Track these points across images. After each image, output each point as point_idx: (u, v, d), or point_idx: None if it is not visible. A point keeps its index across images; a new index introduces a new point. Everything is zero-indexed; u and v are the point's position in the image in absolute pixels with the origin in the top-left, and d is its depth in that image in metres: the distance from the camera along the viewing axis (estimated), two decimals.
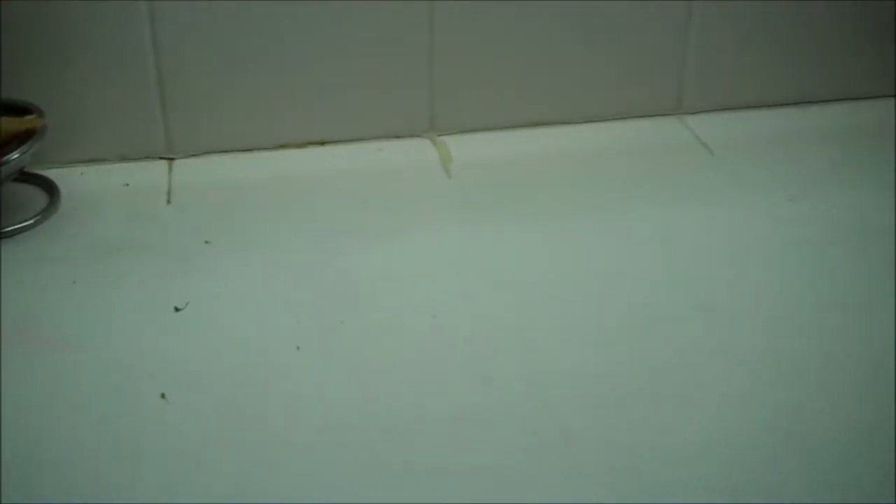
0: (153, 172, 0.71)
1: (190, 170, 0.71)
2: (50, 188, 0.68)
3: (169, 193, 0.69)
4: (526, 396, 0.52)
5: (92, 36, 0.68)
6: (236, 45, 0.70)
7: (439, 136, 0.76)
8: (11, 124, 0.64)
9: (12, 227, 0.64)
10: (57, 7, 0.67)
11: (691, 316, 0.57)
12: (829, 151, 0.75)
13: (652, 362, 0.54)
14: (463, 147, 0.74)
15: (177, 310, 0.57)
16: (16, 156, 0.63)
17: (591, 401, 0.51)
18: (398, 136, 0.75)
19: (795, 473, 0.47)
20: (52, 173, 0.69)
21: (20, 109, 0.66)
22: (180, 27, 0.69)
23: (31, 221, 0.65)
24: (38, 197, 0.68)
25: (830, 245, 0.64)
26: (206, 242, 0.63)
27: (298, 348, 0.55)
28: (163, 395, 0.51)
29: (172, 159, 0.72)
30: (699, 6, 0.75)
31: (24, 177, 0.68)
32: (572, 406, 0.51)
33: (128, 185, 0.69)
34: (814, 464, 0.47)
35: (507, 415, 0.50)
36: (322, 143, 0.74)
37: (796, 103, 0.79)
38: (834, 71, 0.80)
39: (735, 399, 0.51)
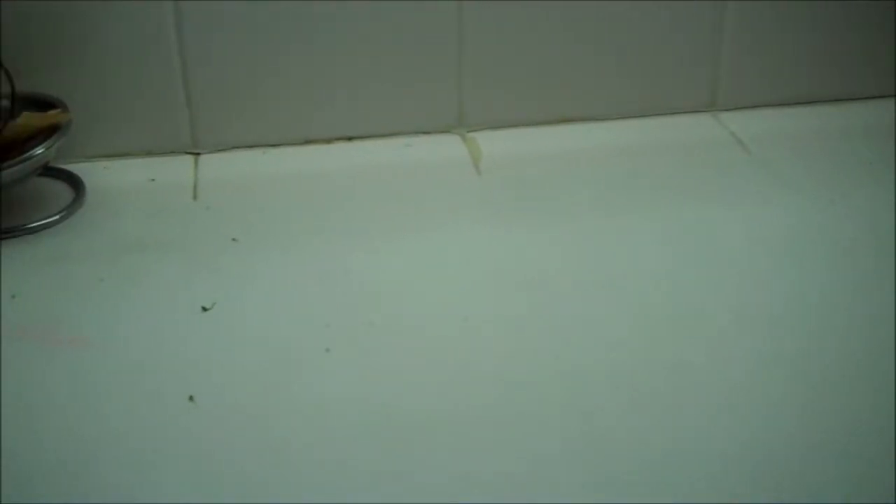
0: (179, 167, 0.70)
1: (216, 165, 0.71)
2: (75, 183, 0.68)
3: (195, 189, 0.68)
4: (557, 400, 0.51)
5: (117, 30, 0.67)
6: (263, 39, 0.69)
7: (469, 132, 0.75)
8: (36, 119, 0.64)
9: (37, 223, 0.64)
10: (82, 1, 0.66)
11: (724, 318, 0.56)
12: (868, 149, 0.73)
13: (684, 366, 0.53)
14: (493, 143, 0.74)
15: (204, 309, 0.56)
16: (41, 150, 0.62)
17: (623, 404, 0.51)
18: (426, 132, 0.75)
19: (829, 477, 0.46)
20: (77, 168, 0.69)
21: (45, 104, 0.65)
22: (206, 21, 0.68)
23: (56, 217, 0.64)
24: (63, 192, 0.67)
25: (870, 247, 0.63)
26: (233, 240, 0.63)
27: (328, 350, 0.54)
28: (191, 398, 0.50)
29: (198, 154, 0.72)
30: (732, 4, 0.74)
31: (49, 171, 0.68)
32: (604, 409, 0.50)
33: (153, 180, 0.69)
34: (850, 468, 0.47)
35: (538, 418, 0.50)
36: (349, 139, 0.73)
37: (835, 100, 0.78)
38: (873, 67, 0.78)
39: (769, 403, 0.51)
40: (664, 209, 0.66)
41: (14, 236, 0.62)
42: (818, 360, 0.53)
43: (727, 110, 0.78)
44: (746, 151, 0.74)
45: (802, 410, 0.50)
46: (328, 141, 0.73)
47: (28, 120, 0.63)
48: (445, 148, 0.73)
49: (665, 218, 0.66)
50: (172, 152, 0.72)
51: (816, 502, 0.45)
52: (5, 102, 0.63)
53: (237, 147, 0.72)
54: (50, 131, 0.63)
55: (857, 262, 0.61)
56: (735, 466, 0.47)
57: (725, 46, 0.76)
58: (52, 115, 0.64)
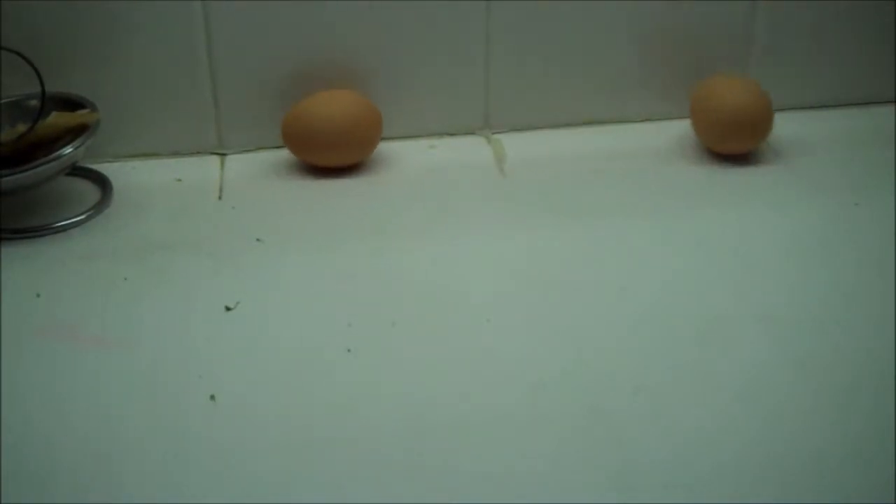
0: (205, 168, 0.71)
1: (242, 165, 0.71)
2: (102, 183, 0.68)
3: (220, 189, 0.69)
4: (579, 400, 0.51)
5: (146, 31, 0.68)
6: (289, 40, 0.70)
7: (494, 133, 0.75)
8: (64, 118, 0.64)
9: (64, 222, 0.64)
10: (111, 2, 0.66)
11: (748, 321, 0.56)
12: (892, 152, 0.72)
13: (707, 368, 0.53)
14: (517, 145, 0.74)
15: (227, 309, 0.57)
16: (69, 150, 0.63)
17: (645, 405, 0.51)
18: (452, 134, 0.75)
19: (862, 482, 0.46)
20: (104, 168, 0.70)
21: (74, 104, 0.66)
22: (234, 23, 0.68)
23: (83, 216, 0.65)
24: (91, 191, 0.68)
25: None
26: (258, 240, 0.63)
27: (349, 350, 0.54)
28: (212, 398, 0.51)
29: (224, 154, 0.72)
30: (763, 4, 0.73)
31: (77, 171, 0.68)
32: (625, 410, 0.50)
33: (180, 180, 0.69)
34: (883, 471, 0.46)
35: (559, 418, 0.50)
36: None
37: (862, 103, 0.77)
38: None
39: (797, 408, 0.50)
40: (688, 211, 0.66)
41: (41, 235, 0.63)
42: (843, 362, 0.53)
43: None
44: (773, 154, 0.73)
45: (826, 412, 0.50)
46: None
47: (57, 119, 0.64)
48: (470, 149, 0.73)
49: (688, 219, 0.65)
50: (199, 153, 0.72)
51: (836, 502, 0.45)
52: (35, 102, 0.64)
53: (263, 148, 0.73)
54: (78, 131, 0.64)
55: (881, 264, 0.61)
56: (753, 467, 0.47)
57: (753, 49, 0.75)
58: (80, 115, 0.65)
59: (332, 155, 0.69)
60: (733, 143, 0.71)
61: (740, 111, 0.69)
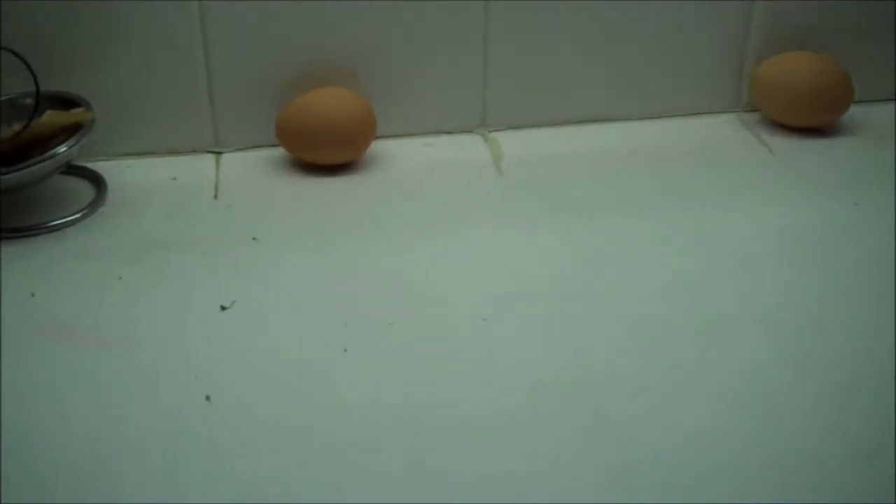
0: (201, 166, 0.71)
1: (237, 164, 0.71)
2: (97, 181, 0.68)
3: (216, 188, 0.68)
4: (576, 401, 0.51)
5: (142, 29, 0.68)
6: (285, 39, 0.70)
7: (491, 132, 0.75)
8: (59, 117, 0.64)
9: (59, 221, 0.64)
10: (108, 2, 0.66)
11: (747, 320, 0.56)
12: (892, 150, 0.73)
13: (707, 368, 0.53)
14: (515, 143, 0.73)
15: (223, 309, 0.56)
16: (63, 149, 0.63)
17: (643, 405, 0.50)
18: (448, 132, 0.74)
19: (862, 481, 0.46)
20: (99, 166, 0.69)
21: (69, 102, 0.65)
22: (230, 21, 0.68)
23: (78, 215, 0.64)
24: (85, 190, 0.68)
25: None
26: (253, 239, 0.63)
27: (345, 350, 0.54)
28: (207, 398, 0.50)
29: (220, 153, 0.72)
30: (762, 4, 0.74)
31: (72, 169, 0.68)
32: (623, 410, 0.50)
33: (175, 178, 0.69)
34: (883, 471, 0.46)
35: (557, 419, 0.50)
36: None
37: (861, 101, 0.77)
38: None
39: (797, 408, 0.50)
40: (686, 210, 0.66)
41: (36, 234, 0.63)
42: (843, 362, 0.53)
43: (752, 111, 0.77)
44: (770, 152, 0.73)
45: (826, 412, 0.50)
46: None
47: (52, 118, 0.64)
48: (467, 148, 0.73)
49: (687, 218, 0.65)
50: (194, 151, 0.72)
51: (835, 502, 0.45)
52: (30, 101, 0.63)
53: (258, 146, 0.72)
54: (73, 129, 0.64)
55: (881, 264, 0.61)
56: (753, 467, 0.47)
57: (751, 47, 0.75)
58: (75, 114, 0.64)
59: (325, 152, 0.69)
60: (819, 114, 0.74)
61: (829, 78, 0.73)
